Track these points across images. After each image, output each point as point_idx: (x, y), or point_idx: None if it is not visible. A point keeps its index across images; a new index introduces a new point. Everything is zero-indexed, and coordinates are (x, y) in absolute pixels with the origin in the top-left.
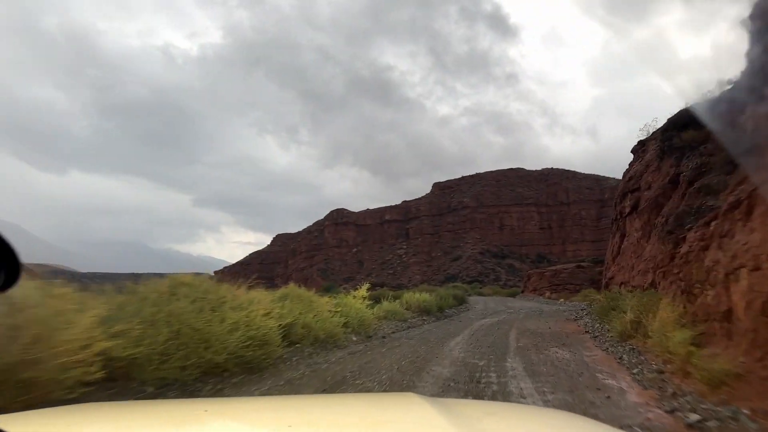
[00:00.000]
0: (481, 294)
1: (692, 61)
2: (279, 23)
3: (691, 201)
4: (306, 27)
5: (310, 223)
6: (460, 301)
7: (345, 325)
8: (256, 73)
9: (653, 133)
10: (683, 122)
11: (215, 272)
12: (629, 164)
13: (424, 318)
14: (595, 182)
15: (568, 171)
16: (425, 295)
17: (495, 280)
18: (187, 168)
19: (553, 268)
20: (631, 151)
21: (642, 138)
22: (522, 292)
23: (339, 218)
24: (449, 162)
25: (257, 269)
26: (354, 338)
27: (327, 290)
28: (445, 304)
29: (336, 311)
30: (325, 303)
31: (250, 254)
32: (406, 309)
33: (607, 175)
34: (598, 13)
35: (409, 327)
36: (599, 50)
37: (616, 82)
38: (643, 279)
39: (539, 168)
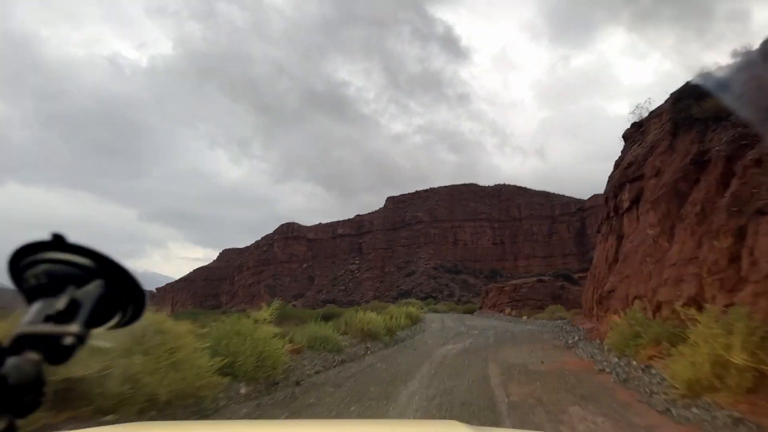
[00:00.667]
0: (436, 311)
1: (634, 85)
2: (231, 35)
3: (748, 179)
4: (259, 41)
5: (259, 238)
6: (415, 321)
7: (230, 366)
8: (207, 85)
9: (655, 110)
10: (698, 93)
11: (157, 289)
12: (621, 152)
13: (368, 345)
14: (545, 198)
15: (520, 187)
16: (371, 315)
17: (449, 295)
18: (134, 182)
19: (513, 282)
20: (623, 137)
21: (636, 120)
22: (480, 308)
23: (289, 232)
24: (404, 178)
25: (202, 286)
26: (243, 390)
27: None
28: (397, 324)
29: (206, 347)
30: (186, 333)
31: (194, 270)
32: (343, 334)
33: (556, 192)
34: (543, 40)
35: (343, 361)
36: (545, 74)
37: (562, 104)
38: (677, 291)
39: (492, 184)
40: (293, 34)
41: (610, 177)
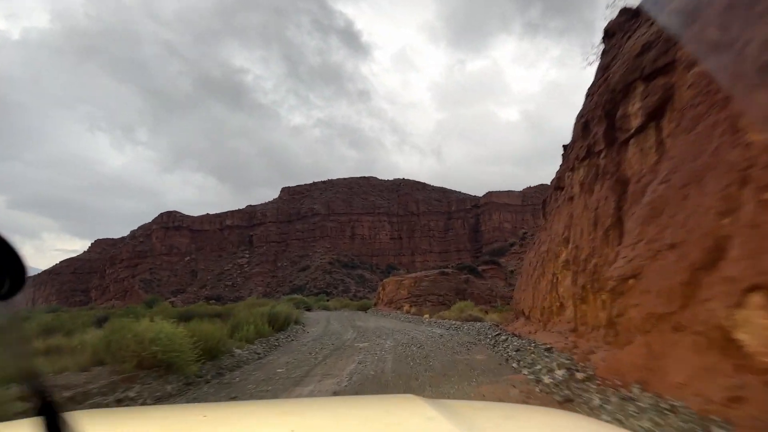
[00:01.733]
0: (326, 308)
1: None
2: (118, 13)
3: None
4: (148, 20)
5: (135, 228)
6: (285, 324)
7: None
8: (88, 64)
9: None
10: None
11: None
12: (602, 54)
13: (137, 390)
14: (442, 194)
15: (418, 182)
16: (163, 325)
17: (344, 291)
18: (1, 165)
19: (413, 275)
20: (605, 32)
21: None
22: (375, 305)
23: (170, 222)
24: (303, 172)
25: (69, 279)
26: None
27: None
28: (247, 334)
29: None
30: None
31: (62, 261)
32: (97, 364)
33: (453, 188)
34: (441, 43)
35: None
36: (443, 76)
37: (457, 107)
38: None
39: (391, 178)
40: (186, 16)
41: (588, 97)
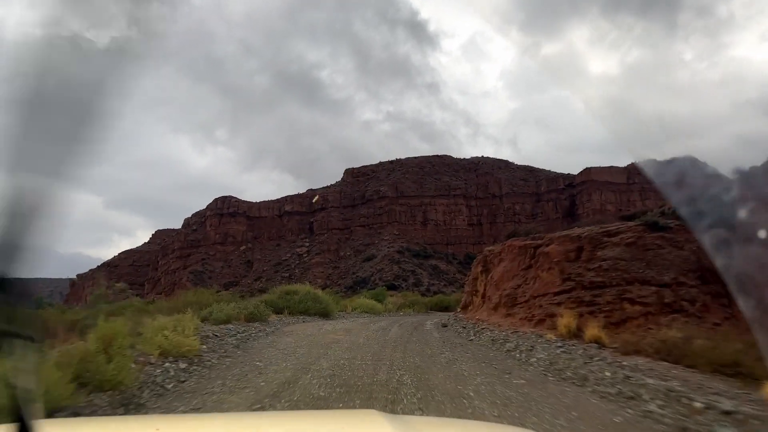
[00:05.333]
0: (371, 310)
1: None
2: (190, 14)
3: None
4: (220, 21)
5: (190, 215)
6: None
7: None
8: (166, 66)
9: None
10: None
11: (78, 275)
12: None
13: None
14: (529, 173)
15: (500, 160)
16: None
17: (415, 284)
18: (97, 168)
19: (567, 233)
20: None
21: None
22: (464, 308)
23: (225, 208)
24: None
25: (127, 272)
26: None
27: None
28: None
29: None
30: None
31: (120, 254)
32: None
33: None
34: (513, 27)
35: None
36: (516, 64)
37: (532, 94)
38: None
39: (468, 156)
40: (255, 16)
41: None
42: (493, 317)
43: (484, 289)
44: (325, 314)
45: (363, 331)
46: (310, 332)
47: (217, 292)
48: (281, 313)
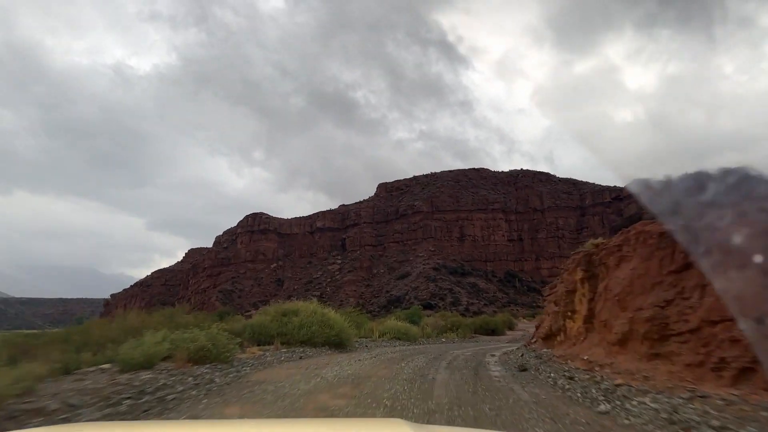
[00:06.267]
0: (405, 337)
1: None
2: (227, 39)
3: None
4: (255, 46)
5: (221, 233)
6: None
7: None
8: (204, 91)
9: None
10: None
11: (112, 295)
12: None
13: None
14: (572, 186)
15: (541, 173)
16: None
17: (453, 304)
18: (139, 191)
19: None
20: None
21: None
22: (548, 338)
23: (255, 225)
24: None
25: (159, 291)
26: None
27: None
28: None
29: None
30: None
31: (153, 273)
32: None
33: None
34: (545, 45)
35: None
36: (550, 80)
37: (567, 111)
38: None
39: (507, 169)
40: (289, 41)
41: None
42: (620, 359)
43: (592, 309)
44: (338, 344)
45: (385, 382)
46: (287, 389)
47: (247, 312)
48: (268, 345)
